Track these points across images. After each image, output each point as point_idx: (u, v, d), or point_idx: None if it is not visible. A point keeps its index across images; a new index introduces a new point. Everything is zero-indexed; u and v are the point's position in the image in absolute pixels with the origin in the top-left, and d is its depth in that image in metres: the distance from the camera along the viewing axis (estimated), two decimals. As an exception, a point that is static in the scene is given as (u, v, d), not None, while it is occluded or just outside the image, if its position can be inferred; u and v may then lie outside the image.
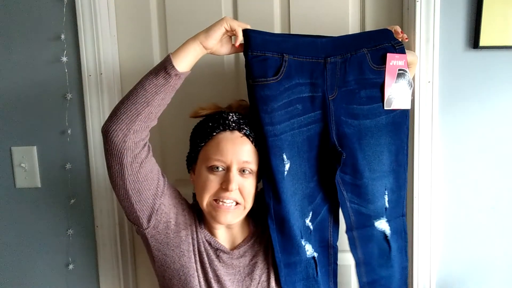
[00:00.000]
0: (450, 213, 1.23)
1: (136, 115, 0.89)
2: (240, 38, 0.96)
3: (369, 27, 1.23)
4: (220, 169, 0.97)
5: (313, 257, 1.06)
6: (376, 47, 1.05)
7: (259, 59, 0.96)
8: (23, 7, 1.25)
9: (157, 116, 0.94)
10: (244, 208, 1.00)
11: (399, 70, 1.06)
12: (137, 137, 0.90)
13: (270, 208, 1.00)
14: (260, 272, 1.04)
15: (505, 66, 1.17)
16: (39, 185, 1.32)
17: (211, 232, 1.05)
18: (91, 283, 1.36)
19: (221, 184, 0.96)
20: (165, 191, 0.99)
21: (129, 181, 0.92)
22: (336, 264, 1.12)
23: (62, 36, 1.24)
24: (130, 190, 0.93)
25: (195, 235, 1.02)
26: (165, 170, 1.36)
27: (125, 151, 0.89)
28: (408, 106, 1.09)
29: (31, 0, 1.24)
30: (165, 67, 0.91)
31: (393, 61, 1.05)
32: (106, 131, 0.89)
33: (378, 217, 1.09)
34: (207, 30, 0.94)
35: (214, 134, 0.98)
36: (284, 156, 0.99)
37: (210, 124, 1.00)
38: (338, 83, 1.02)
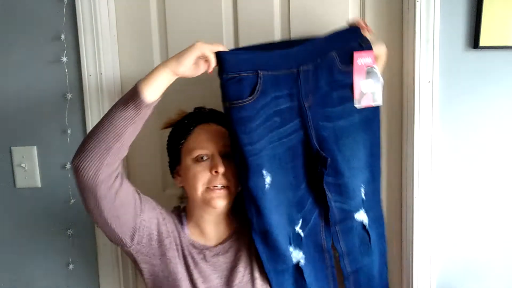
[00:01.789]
0: (450, 213, 1.23)
1: (106, 150, 0.85)
2: (213, 64, 0.93)
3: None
4: (205, 158, 1.02)
5: (299, 264, 1.07)
6: (343, 48, 1.05)
7: (235, 80, 0.93)
8: (23, 7, 1.25)
9: (129, 146, 0.91)
10: (230, 190, 1.03)
11: (367, 67, 1.07)
12: (109, 170, 0.87)
13: (253, 223, 1.01)
14: (244, 264, 1.06)
15: (505, 66, 1.17)
16: (39, 185, 1.32)
17: (200, 230, 1.07)
18: (91, 283, 1.36)
19: (210, 171, 1.00)
20: (143, 207, 0.98)
21: (106, 211, 0.90)
22: (333, 267, 1.13)
23: (62, 36, 1.24)
24: (108, 218, 0.91)
25: (178, 241, 1.04)
26: (165, 173, 1.36)
27: (99, 185, 0.86)
28: (379, 103, 1.10)
29: (31, 0, 1.24)
30: (134, 98, 0.87)
31: (360, 59, 1.06)
32: (77, 168, 0.85)
33: (357, 209, 1.12)
34: (178, 57, 0.91)
35: (192, 128, 1.04)
36: (264, 172, 0.98)
37: (186, 121, 1.06)
38: (311, 90, 1.03)
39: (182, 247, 1.04)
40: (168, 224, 1.04)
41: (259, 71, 0.95)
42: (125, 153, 0.91)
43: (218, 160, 1.00)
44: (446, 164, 1.22)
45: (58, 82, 1.27)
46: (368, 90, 1.08)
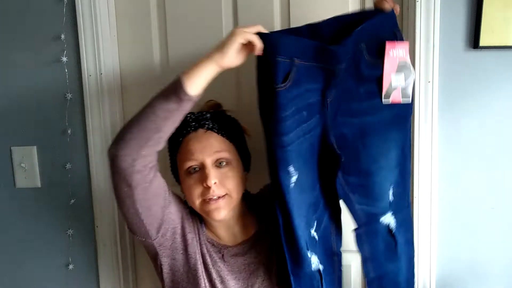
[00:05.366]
0: (450, 213, 1.23)
1: (145, 141, 0.85)
2: (259, 45, 0.88)
3: (369, 27, 1.23)
4: (196, 169, 0.97)
5: (318, 270, 1.03)
6: (374, 37, 0.97)
7: (272, 63, 0.90)
8: (23, 7, 1.25)
9: (166, 139, 0.90)
10: (231, 197, 0.99)
11: (400, 60, 0.98)
12: (146, 161, 0.87)
13: (280, 224, 0.98)
14: (264, 269, 1.03)
15: (505, 66, 1.17)
16: (39, 185, 1.32)
17: (213, 232, 1.06)
18: (91, 283, 1.36)
19: (202, 183, 0.96)
20: (171, 199, 0.98)
21: (138, 201, 0.90)
22: (341, 270, 1.11)
23: (62, 36, 1.24)
24: (139, 208, 0.91)
25: (198, 237, 1.03)
26: (165, 172, 1.36)
27: (134, 175, 0.86)
28: (409, 100, 1.01)
29: (31, 0, 1.24)
30: (176, 91, 0.86)
31: (393, 50, 0.97)
32: (114, 156, 0.85)
33: (384, 212, 1.06)
34: (222, 48, 0.87)
35: (181, 139, 1.00)
36: (291, 168, 0.95)
37: (175, 132, 1.00)
38: (336, 84, 0.97)
39: (200, 244, 1.02)
40: (191, 218, 1.03)
41: (294, 58, 0.91)
42: (161, 146, 0.90)
43: (209, 171, 0.95)
44: (446, 164, 1.21)
45: (58, 82, 1.27)
46: (398, 85, 0.99)
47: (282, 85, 0.91)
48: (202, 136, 0.98)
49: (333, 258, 1.09)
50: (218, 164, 0.97)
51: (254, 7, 1.25)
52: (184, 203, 1.05)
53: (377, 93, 0.99)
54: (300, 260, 1.00)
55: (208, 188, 0.95)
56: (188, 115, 1.00)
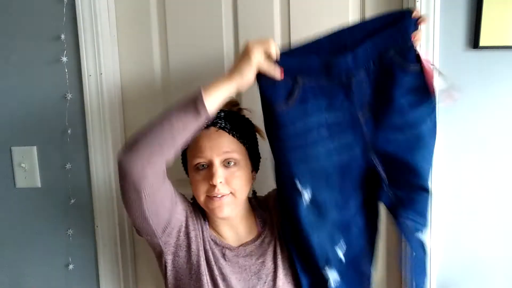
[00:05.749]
0: (450, 213, 1.23)
1: (158, 149, 0.86)
2: (278, 74, 0.91)
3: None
4: (204, 166, 0.98)
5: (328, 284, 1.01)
6: (401, 44, 0.91)
7: (273, 82, 0.90)
8: (23, 7, 1.25)
9: (177, 151, 0.91)
10: (235, 196, 0.99)
11: (429, 63, 0.93)
12: (156, 168, 0.88)
13: (289, 239, 0.99)
14: (267, 272, 1.03)
15: (505, 66, 1.17)
16: (39, 185, 1.32)
17: (217, 230, 1.06)
18: (91, 283, 1.36)
19: (208, 181, 0.97)
20: (177, 199, 0.99)
21: (147, 206, 0.90)
22: None
23: (62, 36, 1.24)
24: (147, 212, 0.91)
25: (201, 234, 1.03)
26: (169, 170, 1.36)
27: (144, 181, 0.86)
28: (459, 96, 0.96)
29: (31, 0, 1.24)
30: (195, 105, 0.87)
31: (423, 53, 0.94)
32: (124, 163, 0.86)
33: (422, 228, 1.01)
34: (240, 70, 0.89)
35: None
36: (299, 185, 0.93)
37: None
38: (368, 100, 0.92)
39: (204, 241, 1.03)
40: (195, 216, 1.04)
41: (298, 77, 0.90)
42: (172, 156, 0.90)
43: (215, 169, 0.96)
44: (446, 164, 1.21)
45: (58, 82, 1.26)
46: (445, 86, 0.96)
47: (284, 104, 0.90)
48: (213, 134, 0.99)
49: (363, 279, 1.05)
50: (226, 163, 0.98)
51: (253, 7, 1.25)
52: (188, 201, 1.06)
53: (420, 101, 0.93)
54: (315, 273, 0.98)
55: (214, 186, 0.96)
56: None
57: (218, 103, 0.90)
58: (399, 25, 0.92)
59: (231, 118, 1.02)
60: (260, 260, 1.04)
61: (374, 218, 1.01)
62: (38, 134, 1.30)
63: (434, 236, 1.23)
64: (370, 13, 1.23)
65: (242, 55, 0.90)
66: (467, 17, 1.16)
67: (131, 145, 0.87)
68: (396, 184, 0.96)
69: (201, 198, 1.00)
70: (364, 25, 0.95)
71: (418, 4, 1.14)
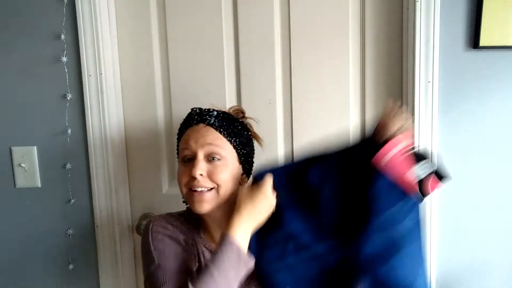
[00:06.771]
0: (450, 213, 1.23)
1: None
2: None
3: (369, 28, 1.23)
4: (190, 158, 0.99)
5: None
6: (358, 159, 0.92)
7: None
8: (23, 7, 1.25)
9: None
10: (218, 192, 0.98)
11: (406, 152, 0.89)
12: None
13: None
14: (256, 283, 1.00)
15: (505, 66, 1.17)
16: (39, 185, 1.32)
17: (210, 235, 1.05)
18: (91, 283, 1.36)
19: (189, 173, 0.98)
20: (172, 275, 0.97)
21: None
22: None
23: (62, 36, 1.24)
24: None
25: (195, 250, 1.02)
26: (171, 170, 1.36)
27: None
28: (435, 166, 0.93)
29: (31, 0, 1.24)
30: (246, 263, 0.91)
31: (394, 149, 0.88)
32: None
33: None
34: (257, 217, 0.95)
35: (184, 131, 1.04)
36: None
37: (181, 124, 1.06)
38: (338, 209, 0.93)
39: (199, 256, 1.02)
40: (186, 246, 1.01)
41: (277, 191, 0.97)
42: None
43: (197, 161, 0.97)
44: (446, 164, 1.21)
45: (58, 82, 1.26)
46: (423, 173, 0.92)
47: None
48: (201, 129, 1.01)
49: None
50: (210, 158, 0.99)
51: (253, 7, 1.25)
52: (174, 243, 1.02)
53: (399, 196, 0.90)
54: None
55: (194, 178, 0.97)
56: (194, 109, 1.04)
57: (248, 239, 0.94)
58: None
59: (221, 117, 1.03)
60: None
61: None
62: (38, 134, 1.30)
63: (434, 236, 1.23)
64: (369, 13, 1.23)
65: (261, 206, 0.95)
66: (467, 17, 1.16)
67: None
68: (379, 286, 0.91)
69: (184, 191, 1.00)
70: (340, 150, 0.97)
71: (418, 4, 1.14)
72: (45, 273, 1.37)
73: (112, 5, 1.27)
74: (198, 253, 1.02)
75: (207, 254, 1.02)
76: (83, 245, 1.34)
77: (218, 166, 0.98)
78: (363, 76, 1.26)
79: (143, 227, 1.05)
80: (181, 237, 1.01)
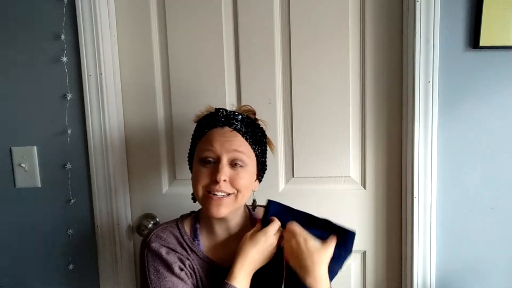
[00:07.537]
0: (450, 213, 1.23)
1: None
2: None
3: (369, 27, 1.23)
4: (211, 161, 0.97)
5: None
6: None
7: None
8: (23, 7, 1.25)
9: None
10: (236, 197, 0.97)
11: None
12: None
13: None
14: None
15: (505, 66, 1.17)
16: (39, 185, 1.32)
17: (214, 246, 1.03)
18: (91, 283, 1.36)
19: (211, 176, 0.96)
20: None
21: None
22: None
23: (62, 36, 1.24)
24: None
25: (191, 270, 1.01)
26: (171, 170, 1.36)
27: None
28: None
29: (31, 0, 1.24)
30: None
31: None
32: None
33: None
34: (260, 262, 0.97)
35: (206, 131, 1.00)
36: None
37: (203, 122, 1.02)
38: None
39: (194, 272, 1.00)
40: (184, 253, 1.01)
41: None
42: None
43: (222, 166, 0.94)
44: (446, 164, 1.22)
45: (58, 82, 1.26)
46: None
47: None
48: (227, 133, 0.98)
49: None
50: (233, 164, 0.97)
51: (253, 7, 1.25)
52: (183, 276, 1.00)
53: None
54: None
55: (216, 183, 0.95)
56: (221, 111, 1.01)
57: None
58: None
59: (247, 122, 1.01)
60: None
61: None
62: (38, 134, 1.30)
63: (434, 236, 1.23)
64: (370, 13, 1.23)
65: (263, 252, 0.96)
66: (467, 17, 1.16)
67: None
68: None
69: (200, 193, 0.97)
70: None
71: (418, 4, 1.14)
72: (45, 273, 1.37)
73: (112, 5, 1.27)
74: (195, 272, 1.00)
75: (204, 266, 1.01)
76: (83, 245, 1.34)
77: (240, 172, 0.97)
78: (363, 76, 1.26)
79: (140, 245, 1.03)
80: (176, 264, 0.98)
